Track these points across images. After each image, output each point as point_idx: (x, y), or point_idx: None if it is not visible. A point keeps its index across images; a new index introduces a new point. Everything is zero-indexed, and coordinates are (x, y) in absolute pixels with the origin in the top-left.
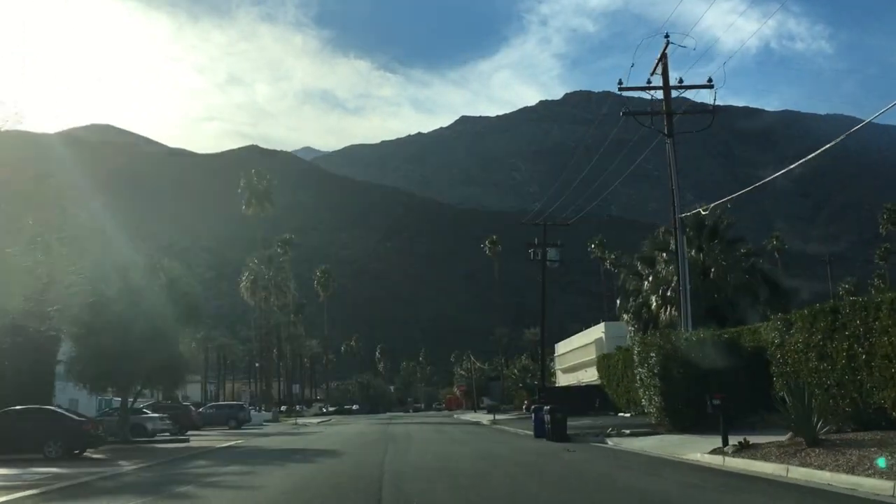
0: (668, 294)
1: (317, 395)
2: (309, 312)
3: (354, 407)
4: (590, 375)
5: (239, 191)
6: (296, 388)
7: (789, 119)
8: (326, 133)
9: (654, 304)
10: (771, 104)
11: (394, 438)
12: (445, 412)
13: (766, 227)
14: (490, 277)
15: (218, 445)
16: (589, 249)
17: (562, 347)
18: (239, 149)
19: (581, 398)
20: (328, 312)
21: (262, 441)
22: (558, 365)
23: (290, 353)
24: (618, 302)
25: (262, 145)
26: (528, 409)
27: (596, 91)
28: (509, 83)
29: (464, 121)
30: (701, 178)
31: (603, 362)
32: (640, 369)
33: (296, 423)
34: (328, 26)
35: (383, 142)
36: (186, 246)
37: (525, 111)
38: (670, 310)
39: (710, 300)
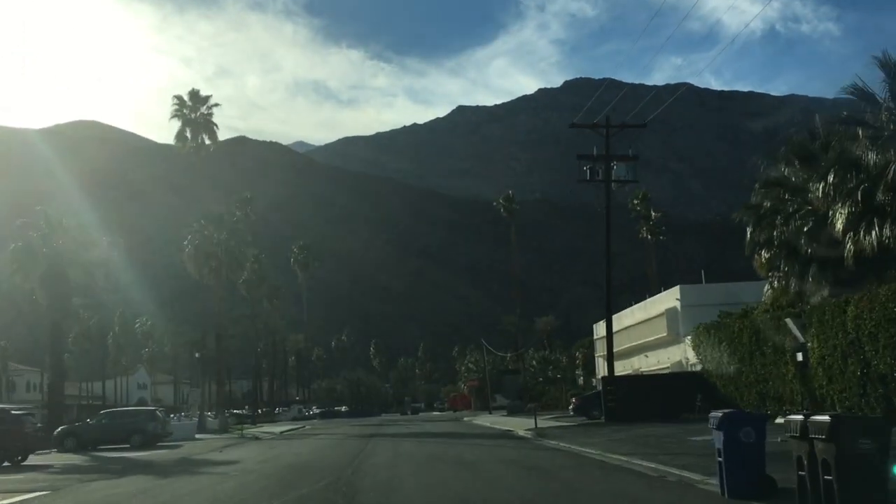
0: (880, 198)
1: (304, 395)
2: (298, 309)
3: (343, 409)
4: (653, 361)
5: (169, 120)
6: (243, 385)
7: (795, 104)
8: (319, 125)
9: (841, 222)
10: (777, 89)
11: (358, 490)
12: (449, 412)
13: None
14: (490, 272)
15: None
16: (630, 206)
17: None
18: (227, 141)
19: (667, 392)
20: (321, 308)
21: None
22: (599, 351)
23: (273, 346)
24: (748, 233)
25: (253, 138)
26: (576, 409)
27: (596, 78)
28: (507, 71)
29: (461, 111)
30: (708, 165)
31: (706, 339)
32: None
33: (242, 435)
34: (319, 14)
35: (378, 133)
36: (170, 239)
37: (523, 100)
38: (882, 228)
39: None
